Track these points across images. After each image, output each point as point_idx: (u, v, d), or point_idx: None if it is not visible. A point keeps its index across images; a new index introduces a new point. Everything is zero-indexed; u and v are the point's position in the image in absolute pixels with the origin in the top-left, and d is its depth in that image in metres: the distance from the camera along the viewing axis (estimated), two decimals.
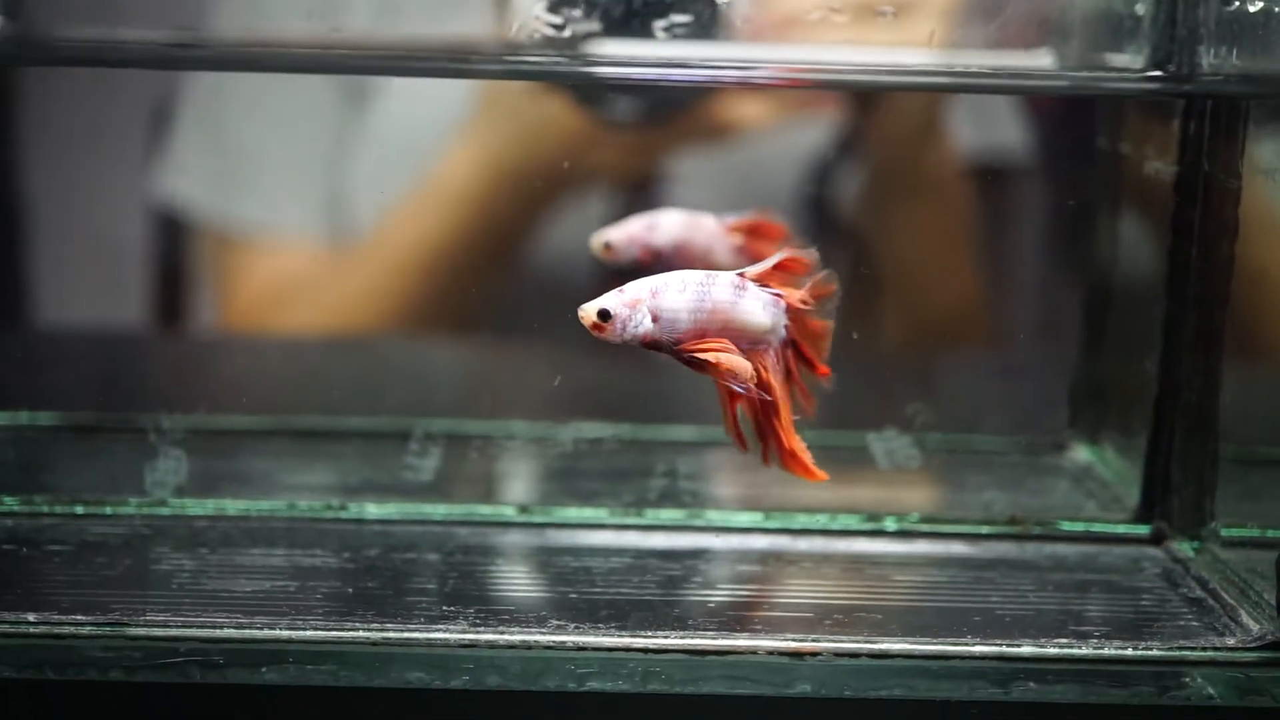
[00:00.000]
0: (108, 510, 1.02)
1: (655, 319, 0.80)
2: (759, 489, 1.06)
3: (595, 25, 0.97)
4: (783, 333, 0.82)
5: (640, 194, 1.43)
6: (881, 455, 1.09)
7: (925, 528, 1.01)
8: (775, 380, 0.82)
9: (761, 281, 0.82)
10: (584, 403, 1.10)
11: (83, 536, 0.99)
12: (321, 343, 1.50)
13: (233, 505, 1.03)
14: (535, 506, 1.03)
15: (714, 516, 1.02)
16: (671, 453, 1.12)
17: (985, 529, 1.01)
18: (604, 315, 0.80)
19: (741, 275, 0.82)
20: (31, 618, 0.84)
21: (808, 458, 0.83)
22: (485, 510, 1.03)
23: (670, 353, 0.81)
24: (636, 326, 0.80)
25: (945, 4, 1.00)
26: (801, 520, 1.01)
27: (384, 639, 0.83)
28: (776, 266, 0.82)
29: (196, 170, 1.67)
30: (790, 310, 0.82)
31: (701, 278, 0.81)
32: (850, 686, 0.82)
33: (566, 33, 0.98)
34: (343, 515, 1.03)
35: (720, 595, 0.92)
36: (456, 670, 0.82)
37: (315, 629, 0.84)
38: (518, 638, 0.83)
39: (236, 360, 1.39)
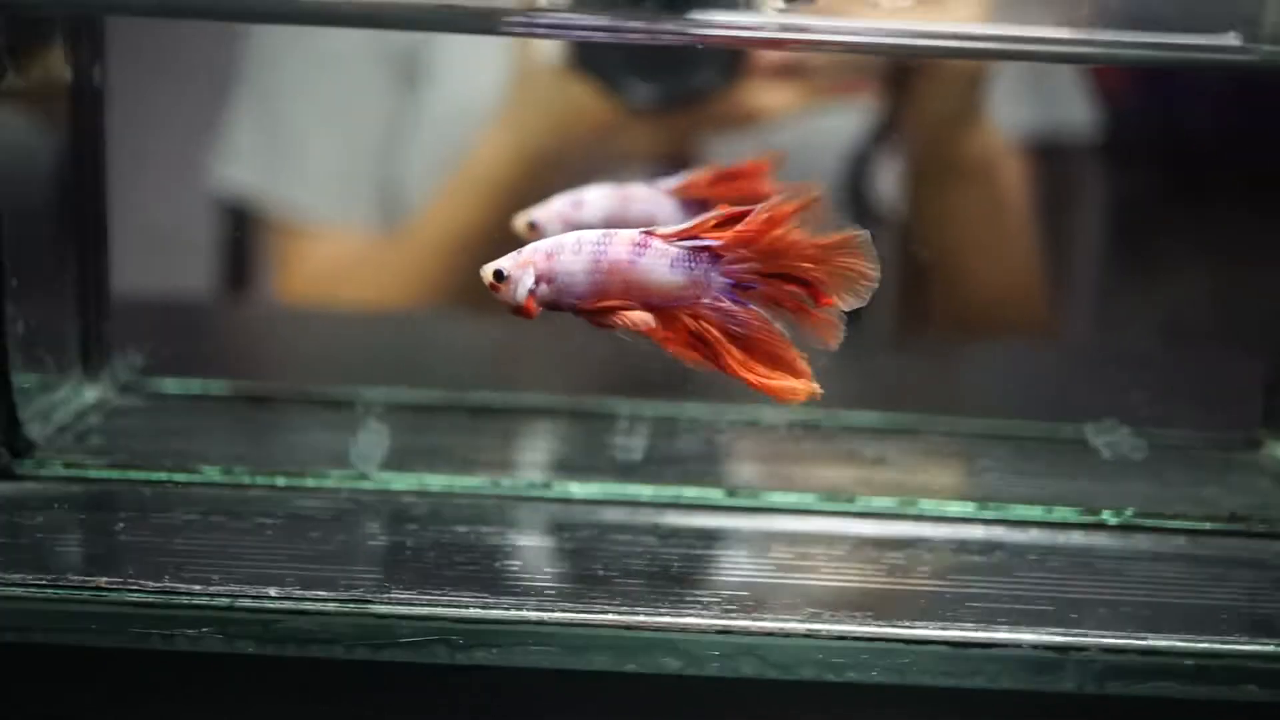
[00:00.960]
0: (309, 483, 1.01)
1: (550, 281, 0.80)
2: (971, 477, 1.04)
3: None
4: (719, 281, 0.80)
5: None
6: (1104, 447, 1.07)
7: (1146, 522, 0.99)
8: (714, 328, 0.80)
9: (688, 236, 0.80)
10: None
11: (288, 509, 0.97)
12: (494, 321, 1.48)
13: (435, 481, 1.01)
14: (743, 490, 1.01)
15: (926, 506, 1.00)
16: (879, 438, 1.10)
17: (1207, 525, 0.99)
18: (499, 276, 0.81)
19: (648, 233, 0.80)
20: (273, 593, 0.83)
21: (782, 380, 0.80)
22: (691, 493, 1.01)
23: (573, 313, 0.81)
24: (529, 288, 0.80)
25: None
26: (1019, 511, 0.99)
27: (637, 623, 0.81)
28: (719, 222, 0.80)
29: (252, 158, 1.68)
30: (746, 252, 0.79)
31: (598, 238, 0.80)
32: (1117, 683, 0.80)
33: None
34: (547, 494, 1.01)
35: (954, 586, 0.89)
36: (707, 658, 0.81)
37: (563, 611, 0.82)
38: (772, 625, 0.81)
39: (407, 335, 1.37)
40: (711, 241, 0.79)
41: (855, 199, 1.56)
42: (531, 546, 0.93)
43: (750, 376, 0.80)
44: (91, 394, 1.15)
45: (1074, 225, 1.62)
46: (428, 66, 1.65)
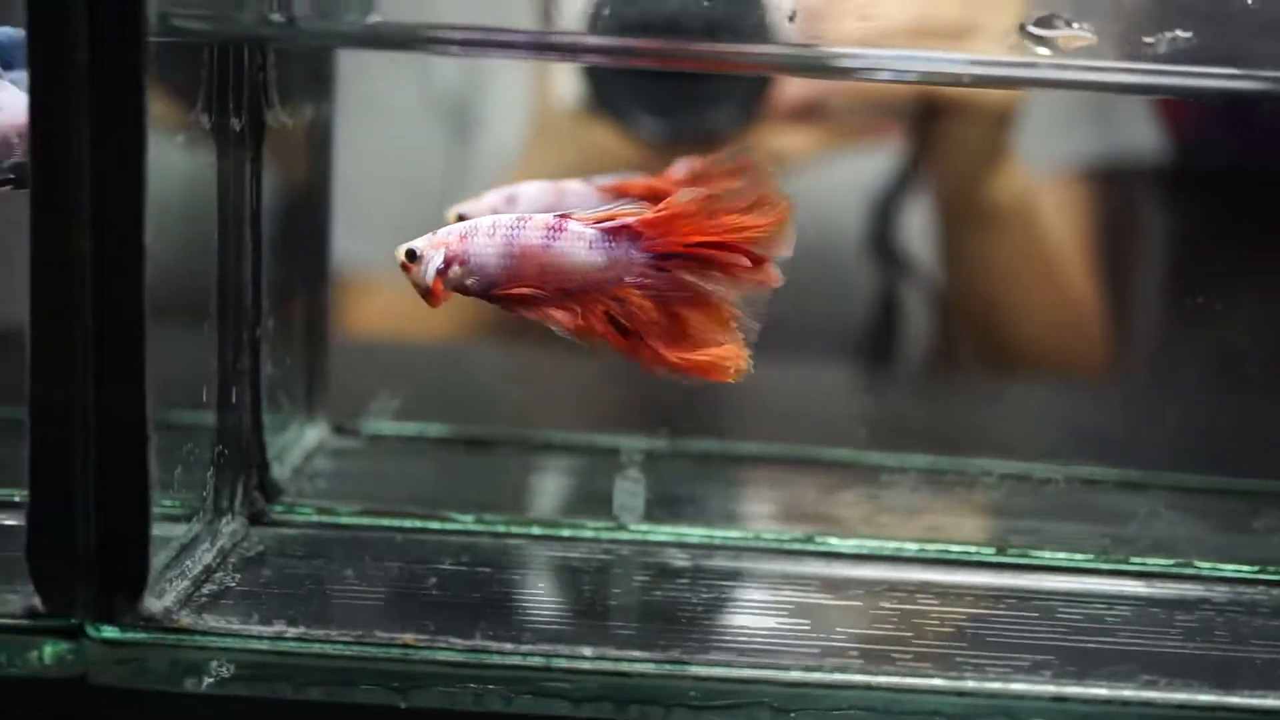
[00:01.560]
0: (564, 533, 0.98)
1: (464, 263, 0.79)
2: (1245, 535, 1.02)
3: None
4: (640, 258, 0.78)
5: None
6: None
7: None
8: (642, 310, 0.79)
9: (605, 219, 0.79)
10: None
11: (550, 560, 0.95)
12: None
13: (694, 532, 0.99)
14: (1012, 547, 0.98)
15: (1203, 566, 0.97)
16: (1153, 495, 1.08)
17: None
18: (411, 255, 0.80)
19: (564, 217, 0.79)
20: (588, 652, 0.80)
21: (706, 357, 0.79)
22: (956, 548, 0.98)
23: (486, 299, 0.80)
24: (438, 269, 0.79)
25: None
26: None
27: (968, 689, 0.79)
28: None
29: None
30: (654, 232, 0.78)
31: (512, 221, 0.80)
32: None
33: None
34: (809, 548, 0.98)
35: (1264, 652, 0.86)
36: None
37: (888, 675, 0.79)
38: (1109, 693, 0.79)
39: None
40: (629, 219, 0.79)
41: (880, 245, 1.54)
42: (811, 604, 0.91)
43: (673, 359, 0.79)
44: (313, 435, 1.13)
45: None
46: (478, 116, 1.65)
